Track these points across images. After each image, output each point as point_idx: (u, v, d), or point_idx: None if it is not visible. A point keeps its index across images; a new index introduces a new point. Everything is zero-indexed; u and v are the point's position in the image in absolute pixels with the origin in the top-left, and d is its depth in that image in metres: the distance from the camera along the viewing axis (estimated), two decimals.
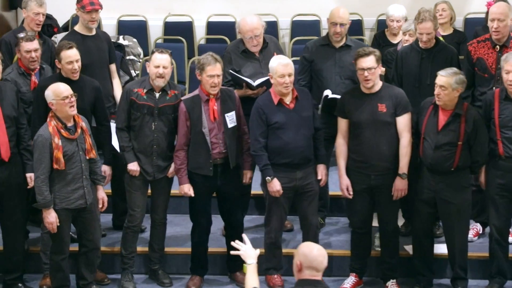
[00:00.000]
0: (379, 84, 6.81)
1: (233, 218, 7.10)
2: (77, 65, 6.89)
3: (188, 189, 6.89)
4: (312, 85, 7.42)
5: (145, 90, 6.87)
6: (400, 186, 6.80)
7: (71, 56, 6.86)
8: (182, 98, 6.93)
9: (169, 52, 6.93)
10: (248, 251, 5.03)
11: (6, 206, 6.85)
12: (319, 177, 6.93)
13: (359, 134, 6.79)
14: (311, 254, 4.78)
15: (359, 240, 7.03)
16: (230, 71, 7.24)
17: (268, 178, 6.81)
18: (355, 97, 6.82)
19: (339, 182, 6.94)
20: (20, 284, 7.01)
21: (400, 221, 7.51)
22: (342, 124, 6.87)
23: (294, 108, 6.81)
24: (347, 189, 6.87)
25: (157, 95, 6.90)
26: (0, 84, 6.78)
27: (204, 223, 7.04)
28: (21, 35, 7.21)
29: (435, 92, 6.63)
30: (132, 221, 7.04)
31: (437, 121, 6.68)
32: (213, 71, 6.73)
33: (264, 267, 7.02)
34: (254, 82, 7.16)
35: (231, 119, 6.88)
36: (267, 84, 7.07)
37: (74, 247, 6.89)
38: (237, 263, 7.19)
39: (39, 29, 7.73)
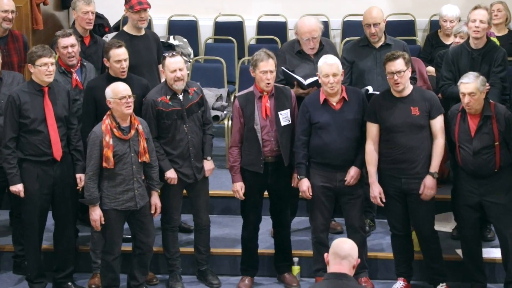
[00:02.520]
0: (409, 88, 6.70)
1: (281, 218, 7.05)
2: (125, 64, 6.92)
3: (240, 188, 6.88)
4: (356, 86, 7.30)
5: (168, 97, 6.86)
6: (430, 184, 6.64)
7: (120, 55, 6.90)
8: (237, 94, 6.94)
9: (180, 52, 6.95)
10: None
11: (59, 204, 6.93)
12: (346, 178, 6.75)
13: (392, 138, 6.67)
14: (336, 242, 4.81)
15: (399, 243, 6.91)
16: (283, 68, 7.19)
17: (298, 176, 6.80)
18: (386, 102, 6.71)
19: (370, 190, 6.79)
20: (69, 283, 7.06)
21: (452, 225, 7.41)
22: (373, 129, 6.72)
23: (339, 109, 6.74)
24: (380, 197, 6.75)
25: (181, 97, 6.89)
26: (53, 84, 6.84)
27: (252, 219, 7.00)
28: (58, 32, 7.27)
29: (465, 101, 6.52)
30: (170, 222, 7.05)
31: (468, 127, 6.59)
32: (265, 67, 6.70)
33: (314, 268, 6.97)
34: (305, 81, 7.10)
35: (284, 117, 6.84)
36: (319, 84, 7.02)
37: (126, 247, 6.92)
38: (286, 265, 7.15)
39: (91, 27, 7.79)
